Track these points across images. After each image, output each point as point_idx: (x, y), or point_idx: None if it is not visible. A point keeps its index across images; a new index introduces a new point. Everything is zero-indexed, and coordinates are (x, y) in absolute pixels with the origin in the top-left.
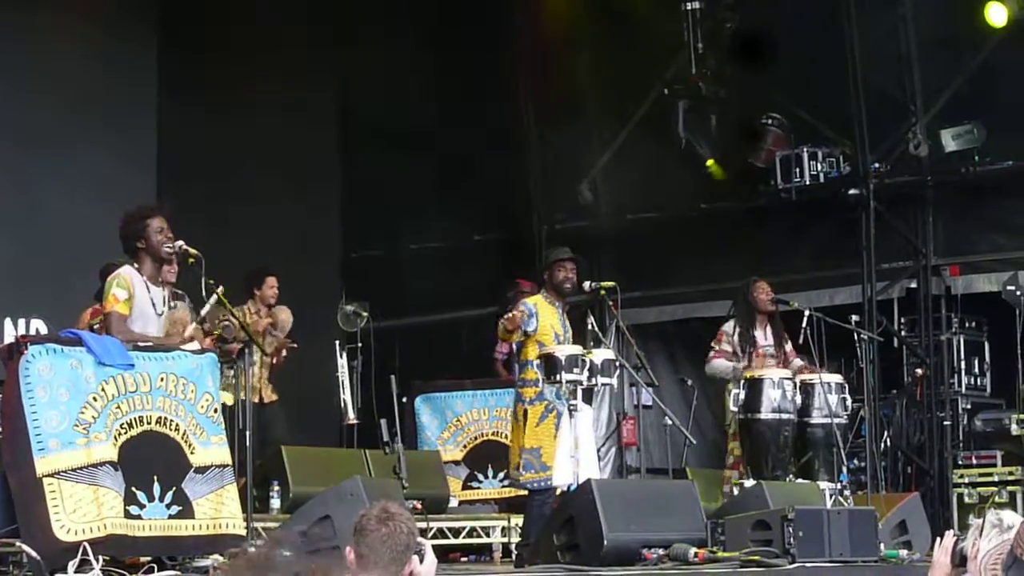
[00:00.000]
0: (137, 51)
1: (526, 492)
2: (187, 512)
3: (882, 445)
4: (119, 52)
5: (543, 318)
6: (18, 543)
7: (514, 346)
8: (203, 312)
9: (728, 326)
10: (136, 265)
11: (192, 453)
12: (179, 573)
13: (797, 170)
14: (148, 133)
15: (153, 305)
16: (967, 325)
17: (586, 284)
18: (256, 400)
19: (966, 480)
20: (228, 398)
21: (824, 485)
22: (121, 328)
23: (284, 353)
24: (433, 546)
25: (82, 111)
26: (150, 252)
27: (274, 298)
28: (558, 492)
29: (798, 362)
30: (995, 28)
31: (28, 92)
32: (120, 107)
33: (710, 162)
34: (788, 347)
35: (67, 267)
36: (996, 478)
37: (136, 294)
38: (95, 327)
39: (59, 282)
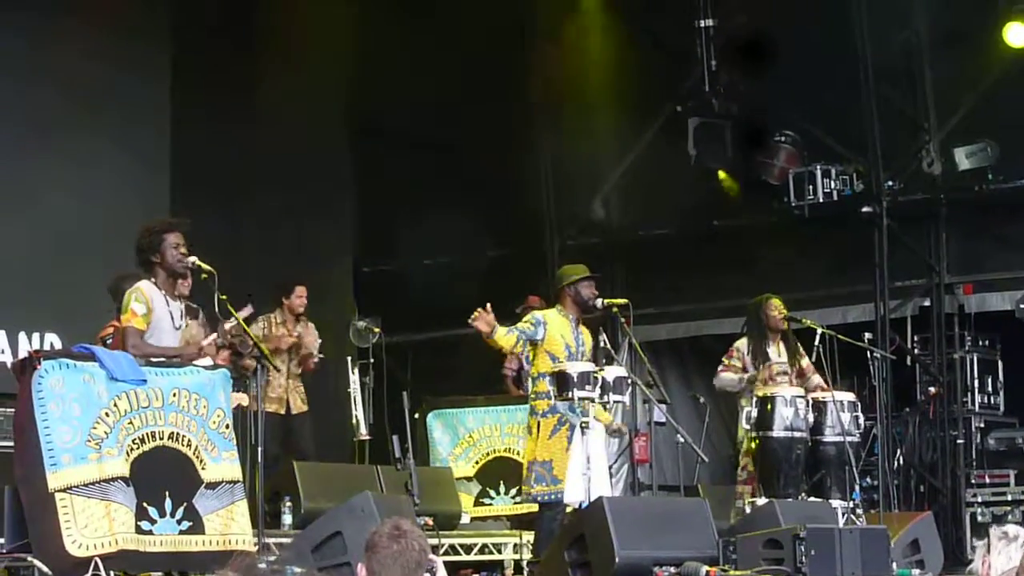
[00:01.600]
0: (151, 59)
1: (536, 508)
2: (198, 528)
3: (895, 463)
4: (132, 61)
5: (553, 329)
6: (30, 558)
7: (524, 360)
8: (227, 327)
9: (741, 343)
10: (153, 279)
11: (203, 469)
12: None
13: (810, 187)
14: (162, 149)
15: (171, 319)
16: (980, 343)
17: (598, 301)
18: (283, 411)
19: (979, 499)
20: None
21: (836, 503)
22: (137, 342)
23: (315, 360)
24: (444, 563)
25: (97, 124)
26: (164, 266)
27: (302, 307)
28: (569, 509)
29: (816, 379)
30: (1014, 48)
31: (44, 102)
32: (135, 119)
33: (722, 174)
34: (805, 363)
35: (81, 279)
36: (1009, 497)
37: (155, 308)
38: (108, 342)
39: (74, 294)
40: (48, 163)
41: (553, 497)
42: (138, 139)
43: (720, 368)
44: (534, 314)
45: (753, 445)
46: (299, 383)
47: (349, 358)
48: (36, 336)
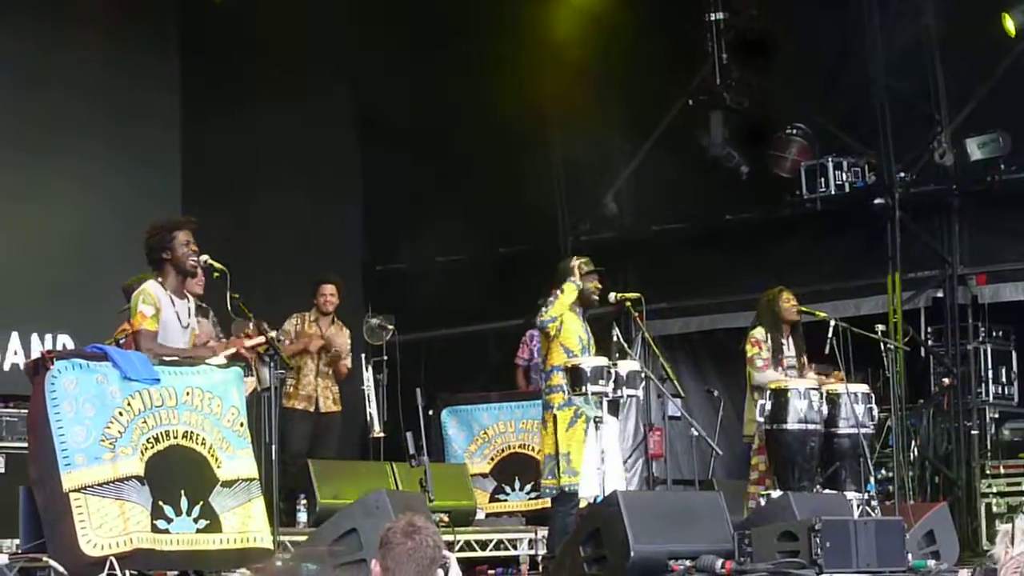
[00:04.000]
0: (160, 62)
1: (549, 504)
2: (214, 526)
3: (909, 455)
4: (142, 65)
5: (568, 323)
6: (45, 558)
7: (535, 352)
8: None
9: (759, 333)
10: (160, 279)
11: (219, 467)
12: None
13: (822, 180)
14: (172, 151)
15: (178, 318)
16: (994, 334)
17: (611, 295)
18: (311, 408)
19: (994, 490)
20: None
21: (851, 495)
22: (151, 345)
23: (346, 363)
24: (460, 559)
25: (108, 125)
26: (175, 264)
27: (329, 305)
28: (583, 504)
29: (810, 375)
30: (1012, 35)
31: (55, 106)
32: (145, 122)
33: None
34: (804, 359)
35: (93, 280)
36: None
37: (162, 308)
38: (121, 342)
39: (86, 299)
40: (60, 167)
41: (576, 487)
42: (148, 143)
43: (761, 364)
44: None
45: (766, 439)
46: (331, 383)
47: (363, 356)
48: (49, 337)
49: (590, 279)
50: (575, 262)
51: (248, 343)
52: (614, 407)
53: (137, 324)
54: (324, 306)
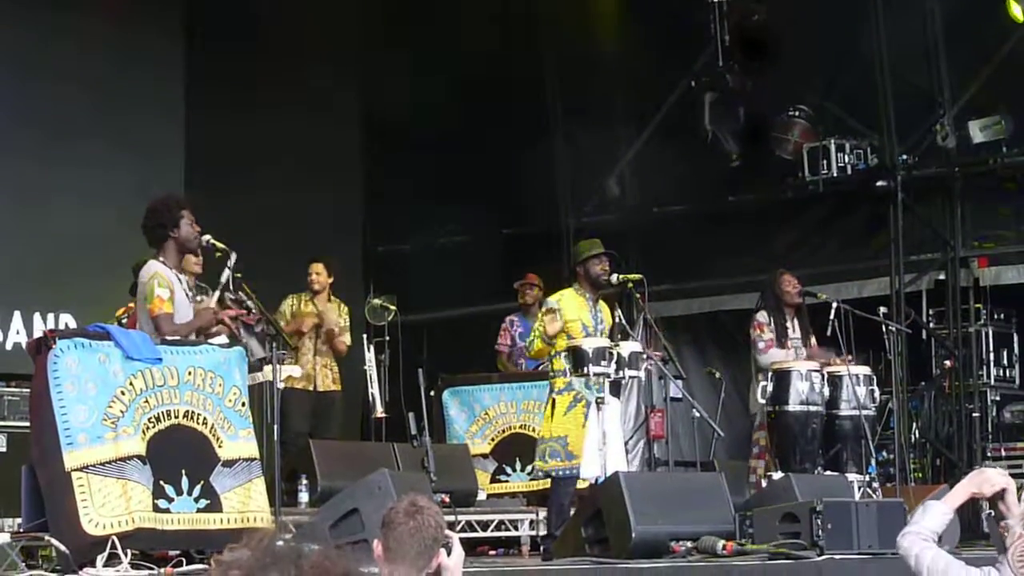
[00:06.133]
0: (164, 52)
1: (549, 483)
2: (215, 506)
3: (911, 437)
4: (146, 53)
5: (571, 312)
6: (47, 537)
7: (517, 338)
8: (222, 280)
9: (763, 315)
10: (161, 257)
11: (220, 447)
12: (207, 567)
13: (825, 162)
14: (175, 132)
15: (186, 294)
16: (996, 317)
17: (613, 277)
18: (311, 388)
19: None
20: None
21: (852, 477)
22: (171, 328)
23: (342, 340)
24: (461, 539)
25: (111, 111)
26: (179, 240)
27: (317, 284)
28: (584, 484)
29: (817, 352)
30: (1020, 21)
31: (58, 93)
32: (148, 107)
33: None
34: (812, 340)
35: (95, 260)
36: None
37: (175, 289)
38: (123, 321)
39: (88, 278)
40: (63, 152)
41: (568, 472)
42: (151, 130)
43: (763, 345)
44: (548, 302)
45: (768, 421)
46: (330, 360)
47: (364, 336)
48: (51, 316)
49: (598, 262)
50: (583, 254)
51: (230, 313)
52: (616, 388)
53: (156, 309)
54: (310, 285)
